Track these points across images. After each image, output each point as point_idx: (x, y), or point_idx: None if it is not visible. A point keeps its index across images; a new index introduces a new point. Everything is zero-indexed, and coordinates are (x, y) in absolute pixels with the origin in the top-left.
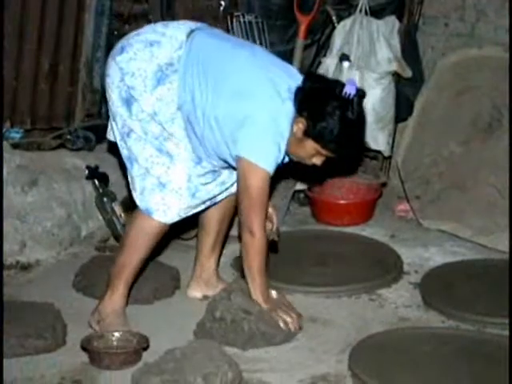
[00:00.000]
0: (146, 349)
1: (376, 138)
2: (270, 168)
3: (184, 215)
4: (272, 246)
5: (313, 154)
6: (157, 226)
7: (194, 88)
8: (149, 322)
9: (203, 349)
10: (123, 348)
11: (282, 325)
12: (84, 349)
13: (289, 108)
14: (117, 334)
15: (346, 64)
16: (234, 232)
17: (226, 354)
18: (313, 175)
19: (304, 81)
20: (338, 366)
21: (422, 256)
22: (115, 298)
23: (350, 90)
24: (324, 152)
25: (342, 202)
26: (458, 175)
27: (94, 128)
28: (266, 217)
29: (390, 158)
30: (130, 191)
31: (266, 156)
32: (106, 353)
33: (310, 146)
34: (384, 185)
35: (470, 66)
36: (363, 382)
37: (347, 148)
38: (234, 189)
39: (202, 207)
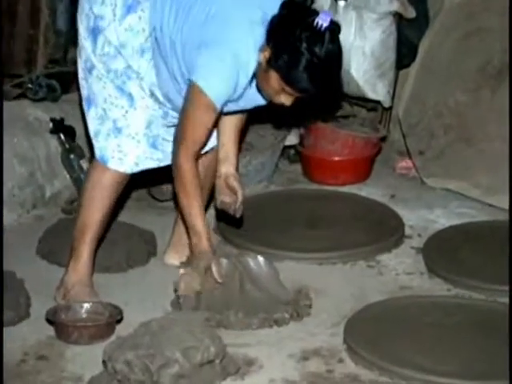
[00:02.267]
0: (118, 321)
1: (375, 86)
2: (218, 99)
3: (144, 166)
4: (233, 220)
5: (278, 90)
6: (114, 176)
7: (164, 14)
8: (121, 291)
9: (182, 321)
10: (93, 320)
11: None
12: (50, 322)
13: (258, 36)
14: (86, 306)
15: (341, 3)
16: None
17: (208, 325)
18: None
19: (280, 8)
20: (332, 340)
21: (426, 218)
22: (80, 265)
23: (322, 21)
24: (287, 89)
25: (336, 158)
26: (465, 128)
27: (59, 76)
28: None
29: (390, 109)
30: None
31: (217, 86)
32: (75, 326)
33: (275, 79)
34: (383, 139)
35: (480, 5)
36: (360, 357)
37: (310, 87)
38: (213, 142)
39: (168, 162)
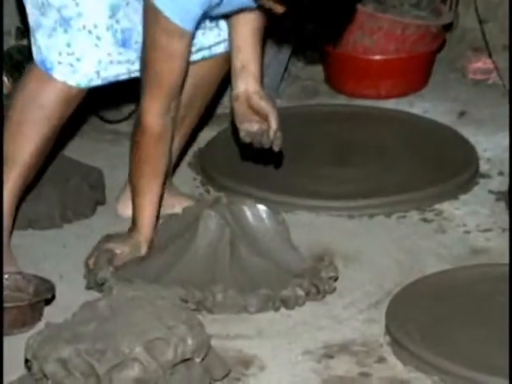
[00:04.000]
0: (49, 302)
1: None
2: (186, 18)
3: (107, 75)
4: (268, 156)
5: None
6: (60, 91)
7: None
8: (53, 258)
9: (146, 301)
10: (11, 300)
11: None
12: None
13: None
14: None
15: None
16: None
17: (185, 307)
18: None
19: None
20: (369, 329)
21: None
22: None
23: None
24: None
25: (376, 57)
26: None
27: None
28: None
29: None
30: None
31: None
32: None
33: None
34: (449, 27)
35: None
36: (410, 354)
37: None
38: (211, 51)
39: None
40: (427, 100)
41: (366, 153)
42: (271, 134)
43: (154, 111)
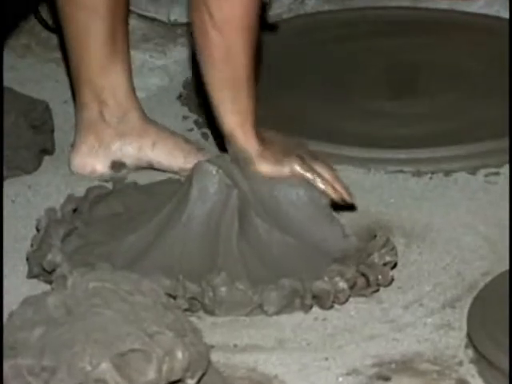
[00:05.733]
0: None
1: None
2: None
3: None
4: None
5: None
6: None
7: None
8: None
9: (113, 293)
10: None
11: (320, 186)
12: None
13: None
14: None
15: None
16: None
17: (173, 305)
18: None
19: None
20: (442, 339)
21: None
22: None
23: None
24: None
25: None
26: None
27: None
28: None
29: None
30: None
31: None
32: None
33: None
34: None
35: None
36: (503, 374)
37: None
38: None
39: None
40: None
41: (440, 79)
42: None
43: None
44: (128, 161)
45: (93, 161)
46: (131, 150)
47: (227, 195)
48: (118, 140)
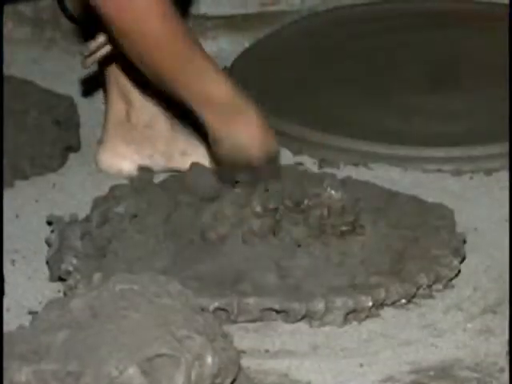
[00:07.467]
0: None
1: None
2: None
3: None
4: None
5: None
6: None
7: None
8: (5, 233)
9: (141, 296)
10: None
11: None
12: None
13: None
14: None
15: None
16: None
17: (203, 307)
18: None
19: None
20: (483, 345)
21: None
22: None
23: None
24: None
25: None
26: None
27: None
28: None
29: None
30: None
31: None
32: None
33: None
34: None
35: None
36: None
37: None
38: None
39: None
40: None
41: (479, 74)
42: None
43: None
44: (156, 168)
45: (119, 161)
46: (160, 160)
47: None
48: (146, 146)
